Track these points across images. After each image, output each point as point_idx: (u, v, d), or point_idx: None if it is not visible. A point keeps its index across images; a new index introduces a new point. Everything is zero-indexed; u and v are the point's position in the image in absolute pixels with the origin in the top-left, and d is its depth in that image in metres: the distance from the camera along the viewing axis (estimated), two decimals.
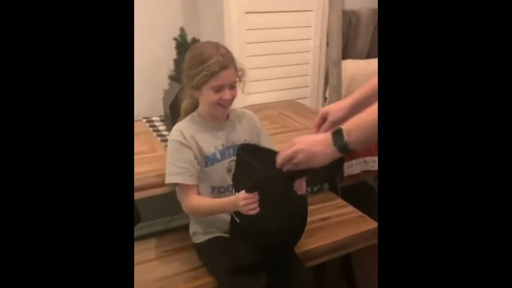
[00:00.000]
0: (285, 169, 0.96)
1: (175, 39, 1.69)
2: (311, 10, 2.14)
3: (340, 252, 1.48)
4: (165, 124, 1.73)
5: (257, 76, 2.01)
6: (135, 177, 1.27)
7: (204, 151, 1.19)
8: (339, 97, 2.24)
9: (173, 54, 1.71)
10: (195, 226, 1.31)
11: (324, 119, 1.12)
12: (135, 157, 1.43)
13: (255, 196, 1.03)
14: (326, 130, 1.06)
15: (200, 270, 1.28)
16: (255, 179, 1.05)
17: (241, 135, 1.26)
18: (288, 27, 2.10)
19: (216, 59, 1.10)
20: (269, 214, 1.08)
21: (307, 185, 1.77)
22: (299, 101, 2.22)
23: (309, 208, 1.61)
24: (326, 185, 2.04)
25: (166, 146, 1.51)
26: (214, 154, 1.20)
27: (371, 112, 0.88)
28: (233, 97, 1.17)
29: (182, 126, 1.21)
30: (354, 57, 2.33)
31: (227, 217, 1.19)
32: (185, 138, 1.17)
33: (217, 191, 1.23)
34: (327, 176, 1.92)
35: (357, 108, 1.04)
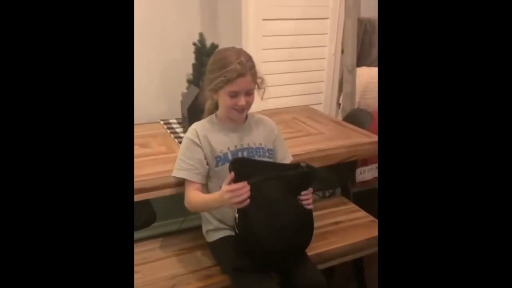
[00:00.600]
0: None
1: (194, 44, 1.73)
2: (327, 18, 2.17)
3: (351, 256, 1.49)
4: (182, 126, 1.77)
5: (272, 81, 2.03)
6: (151, 177, 1.32)
7: (215, 150, 1.23)
8: (352, 104, 2.26)
9: (191, 59, 1.75)
10: (207, 224, 1.34)
11: None
12: (153, 157, 1.48)
13: (242, 187, 1.04)
14: None
15: (213, 269, 1.30)
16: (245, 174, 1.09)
17: (256, 139, 1.30)
18: (304, 34, 2.13)
19: (234, 66, 1.14)
20: (264, 222, 1.11)
21: (319, 190, 1.79)
22: (313, 106, 2.24)
23: (322, 212, 1.65)
24: (338, 190, 2.06)
25: None
26: (225, 154, 1.24)
27: None
28: (249, 103, 1.22)
29: (198, 126, 1.27)
30: (368, 65, 2.34)
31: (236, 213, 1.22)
32: (198, 137, 1.23)
33: None
34: (340, 181, 1.94)
35: None
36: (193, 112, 1.61)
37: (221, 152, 1.24)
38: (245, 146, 1.28)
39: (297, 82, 2.20)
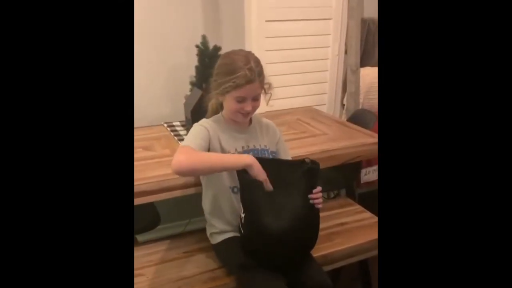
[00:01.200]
0: None
1: (197, 46, 1.73)
2: (330, 19, 2.17)
3: (357, 257, 1.48)
4: (186, 129, 1.77)
5: (276, 83, 2.03)
6: (155, 180, 1.31)
7: (225, 151, 1.23)
8: (356, 104, 2.25)
9: (194, 61, 1.75)
10: (212, 227, 1.33)
11: None
12: (157, 160, 1.48)
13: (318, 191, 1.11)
14: None
15: (218, 271, 1.30)
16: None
17: (261, 141, 1.31)
18: (307, 35, 2.13)
19: (244, 72, 1.13)
20: (270, 222, 1.10)
21: (324, 191, 1.78)
22: (317, 107, 2.24)
23: (327, 213, 1.64)
24: (343, 191, 2.05)
25: None
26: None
27: None
28: (255, 108, 1.22)
29: (210, 123, 1.25)
30: (372, 65, 2.34)
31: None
32: (213, 131, 1.21)
33: (231, 191, 1.26)
34: (344, 182, 1.93)
35: None
36: (196, 115, 1.60)
37: (229, 153, 1.23)
38: (251, 147, 1.27)
39: (301, 83, 2.20)
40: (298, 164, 1.21)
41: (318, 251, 1.36)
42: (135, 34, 1.15)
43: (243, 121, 1.26)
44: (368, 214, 1.65)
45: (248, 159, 1.12)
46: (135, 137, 1.63)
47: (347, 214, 1.65)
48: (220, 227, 1.30)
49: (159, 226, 1.75)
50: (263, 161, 1.21)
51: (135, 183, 1.25)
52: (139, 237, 1.70)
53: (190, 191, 1.35)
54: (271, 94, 1.25)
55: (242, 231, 1.19)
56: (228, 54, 1.24)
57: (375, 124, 1.91)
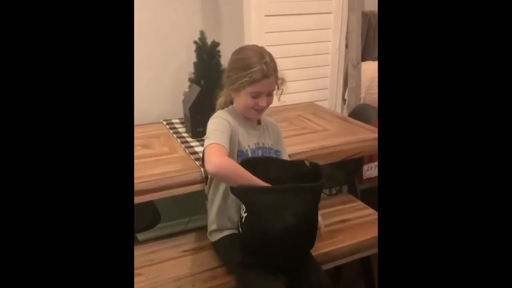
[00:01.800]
0: None
1: (195, 42, 1.71)
2: (331, 12, 2.14)
3: (359, 254, 1.46)
4: (185, 126, 1.75)
5: None
6: (156, 178, 1.30)
7: (241, 144, 1.21)
8: (358, 99, 2.23)
9: (193, 57, 1.73)
10: (212, 225, 1.32)
11: None
12: (156, 158, 1.46)
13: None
14: None
15: (218, 270, 1.28)
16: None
17: (268, 140, 1.30)
18: (307, 30, 2.10)
19: (260, 67, 1.12)
20: (269, 223, 1.08)
21: (325, 188, 1.76)
22: (318, 103, 2.21)
23: (328, 210, 1.62)
24: (345, 188, 2.03)
25: (186, 147, 1.54)
26: (246, 151, 1.22)
27: None
28: (269, 104, 1.20)
29: (229, 116, 1.21)
30: (373, 59, 2.31)
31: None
32: (233, 125, 1.18)
33: None
34: (346, 178, 1.91)
35: None
36: (195, 111, 1.59)
37: (244, 148, 1.22)
38: (261, 145, 1.27)
39: (301, 78, 2.18)
40: (300, 164, 1.19)
41: (320, 249, 1.35)
42: None
43: (257, 117, 1.25)
44: (370, 210, 1.63)
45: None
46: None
47: (349, 211, 1.62)
48: (222, 224, 1.29)
49: (159, 225, 1.74)
50: (262, 160, 1.20)
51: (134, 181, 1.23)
52: (139, 236, 1.69)
53: (190, 189, 1.33)
54: (282, 90, 1.24)
55: (241, 230, 1.17)
56: (241, 49, 1.22)
57: (376, 119, 1.89)
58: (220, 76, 1.64)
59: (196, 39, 1.72)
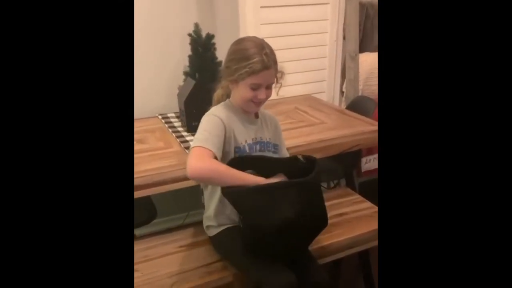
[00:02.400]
0: None
1: (189, 35, 1.68)
2: (328, 3, 2.10)
3: (357, 248, 1.45)
4: (180, 120, 1.73)
5: None
6: (151, 173, 1.28)
7: (238, 141, 1.19)
8: (356, 91, 2.20)
9: (187, 50, 1.70)
10: (208, 220, 1.30)
11: None
12: (151, 153, 1.44)
13: None
14: None
15: (215, 265, 1.27)
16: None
17: (266, 134, 1.28)
18: (304, 21, 2.07)
19: (261, 58, 1.10)
20: (269, 218, 1.06)
21: (323, 181, 1.74)
22: (316, 95, 2.19)
23: (326, 203, 1.60)
24: (343, 181, 2.02)
25: (181, 142, 1.52)
26: (244, 146, 1.20)
27: None
28: (268, 97, 1.18)
29: (224, 112, 1.18)
30: (371, 50, 2.29)
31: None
32: (228, 122, 1.15)
33: None
34: (344, 172, 1.90)
35: None
36: (190, 105, 1.57)
37: (241, 143, 1.19)
38: (259, 139, 1.24)
39: (298, 70, 2.14)
40: (294, 160, 1.18)
41: (317, 243, 1.34)
42: None
43: (255, 110, 1.22)
44: (368, 204, 1.62)
45: (252, 181, 1.08)
46: None
47: (347, 204, 1.61)
48: (220, 222, 1.27)
49: (157, 220, 1.73)
50: (256, 159, 1.17)
51: None
52: (136, 231, 1.68)
53: (186, 184, 1.32)
54: (281, 84, 1.22)
55: (241, 225, 1.15)
56: (241, 40, 1.19)
57: (375, 111, 1.87)
58: (215, 69, 1.62)
59: (191, 31, 1.69)
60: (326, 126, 1.70)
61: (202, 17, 1.85)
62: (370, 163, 2.18)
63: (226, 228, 1.26)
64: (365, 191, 1.73)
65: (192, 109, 1.56)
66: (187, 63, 1.72)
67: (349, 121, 1.75)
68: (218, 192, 1.22)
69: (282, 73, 1.21)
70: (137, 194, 1.26)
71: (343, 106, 2.24)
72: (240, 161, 1.14)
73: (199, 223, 1.41)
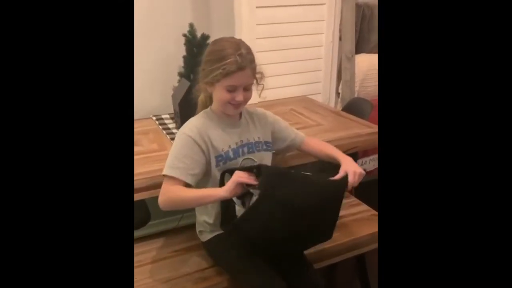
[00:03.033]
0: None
1: (184, 35, 1.66)
2: (324, 4, 2.09)
3: (353, 252, 1.44)
4: (174, 122, 1.71)
5: (268, 72, 1.97)
6: (145, 176, 1.26)
7: (217, 149, 1.15)
8: (352, 93, 2.19)
9: (182, 51, 1.68)
10: (201, 225, 1.28)
11: None
12: (145, 155, 1.42)
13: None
14: None
15: (209, 271, 1.25)
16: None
17: (254, 134, 1.24)
18: (299, 21, 2.05)
19: (234, 58, 1.06)
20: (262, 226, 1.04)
21: None
22: (311, 96, 2.18)
23: None
24: None
25: None
26: (227, 152, 1.17)
27: None
28: (246, 99, 1.14)
29: (198, 122, 1.17)
30: (368, 52, 2.27)
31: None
32: (199, 135, 1.13)
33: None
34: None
35: None
36: (184, 107, 1.54)
37: (222, 151, 1.16)
38: (245, 141, 1.21)
39: (294, 71, 2.13)
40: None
41: (313, 247, 1.32)
42: None
43: (234, 113, 1.18)
44: (364, 207, 1.60)
45: (221, 193, 1.05)
46: None
47: (343, 207, 1.58)
48: (210, 227, 1.25)
49: (151, 222, 1.70)
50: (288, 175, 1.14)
51: None
52: None
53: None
54: (263, 85, 1.17)
55: (241, 222, 1.09)
56: (217, 41, 1.15)
57: (371, 113, 1.85)
58: None
59: (185, 32, 1.66)
60: (323, 128, 1.68)
61: (197, 17, 1.82)
62: (366, 164, 2.17)
63: (219, 234, 1.24)
64: (361, 193, 1.72)
65: (187, 111, 1.53)
66: (181, 63, 1.69)
67: (345, 123, 1.74)
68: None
69: (262, 74, 1.16)
70: None
71: (339, 107, 2.22)
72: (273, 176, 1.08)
73: (193, 226, 1.38)
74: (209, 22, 1.88)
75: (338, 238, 1.40)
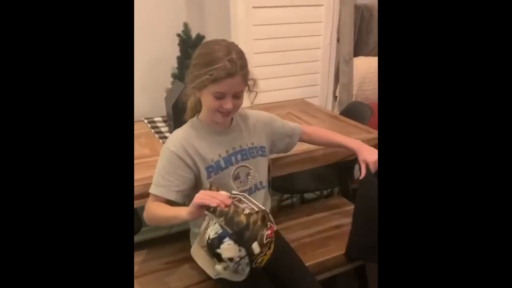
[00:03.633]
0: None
1: (178, 35, 1.60)
2: (322, 5, 2.04)
3: (354, 263, 1.39)
4: (167, 125, 1.64)
5: (264, 74, 1.93)
6: (137, 183, 1.19)
7: (206, 160, 1.08)
8: (350, 96, 2.15)
9: (176, 51, 1.62)
10: (194, 236, 1.21)
11: None
12: (136, 161, 1.35)
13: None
14: None
15: (203, 284, 1.19)
16: None
17: (248, 139, 1.17)
18: (297, 23, 2.01)
19: (223, 64, 0.98)
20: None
21: (317, 190, 1.67)
22: (308, 99, 2.13)
23: (321, 214, 1.54)
24: (336, 189, 1.95)
25: None
26: (218, 162, 1.10)
27: None
28: (236, 107, 1.06)
29: (182, 134, 1.10)
30: (366, 54, 2.23)
31: None
32: (182, 149, 1.06)
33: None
34: (339, 179, 1.83)
35: None
36: (178, 110, 1.48)
37: (212, 161, 1.09)
38: (238, 148, 1.14)
39: (291, 74, 2.08)
40: None
41: (313, 258, 1.27)
42: None
43: (223, 121, 1.10)
44: None
45: (184, 215, 0.97)
46: None
47: (343, 216, 1.54)
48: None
49: (143, 228, 1.63)
50: None
51: None
52: None
53: None
54: (256, 93, 1.10)
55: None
56: (207, 43, 1.08)
57: (370, 118, 1.80)
58: None
59: (180, 31, 1.60)
60: None
61: (192, 17, 1.76)
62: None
63: None
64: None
65: (180, 114, 1.47)
66: (175, 64, 1.63)
67: (343, 128, 1.69)
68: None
69: (255, 80, 1.08)
70: None
71: (336, 111, 2.18)
72: None
73: (186, 232, 1.32)
74: (204, 22, 1.82)
75: (339, 249, 1.35)
